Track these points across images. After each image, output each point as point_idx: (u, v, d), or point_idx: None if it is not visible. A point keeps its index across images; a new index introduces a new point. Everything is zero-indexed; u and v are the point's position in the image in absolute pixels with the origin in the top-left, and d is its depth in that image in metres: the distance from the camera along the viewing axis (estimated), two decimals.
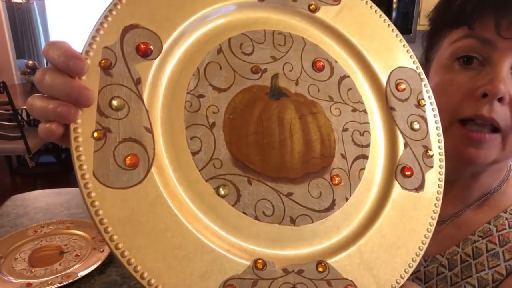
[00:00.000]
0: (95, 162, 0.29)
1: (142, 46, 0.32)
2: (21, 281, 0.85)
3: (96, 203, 0.29)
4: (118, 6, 0.32)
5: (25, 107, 2.95)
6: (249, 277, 0.32)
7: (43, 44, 5.89)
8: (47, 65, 2.96)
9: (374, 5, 0.41)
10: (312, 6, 0.39)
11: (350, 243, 0.36)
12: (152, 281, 0.29)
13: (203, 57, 0.35)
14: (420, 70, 0.42)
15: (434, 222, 0.38)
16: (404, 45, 0.42)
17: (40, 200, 1.22)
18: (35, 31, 5.74)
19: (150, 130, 0.32)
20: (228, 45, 0.36)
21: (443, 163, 0.40)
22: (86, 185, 0.29)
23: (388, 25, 0.41)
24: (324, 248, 0.36)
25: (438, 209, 0.39)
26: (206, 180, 0.33)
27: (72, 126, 0.30)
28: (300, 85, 0.38)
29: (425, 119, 0.40)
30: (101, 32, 0.31)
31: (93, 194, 0.29)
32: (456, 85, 0.47)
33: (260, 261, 0.33)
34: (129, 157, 0.30)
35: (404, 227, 0.38)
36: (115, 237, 0.29)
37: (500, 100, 0.44)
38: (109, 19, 0.31)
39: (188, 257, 0.30)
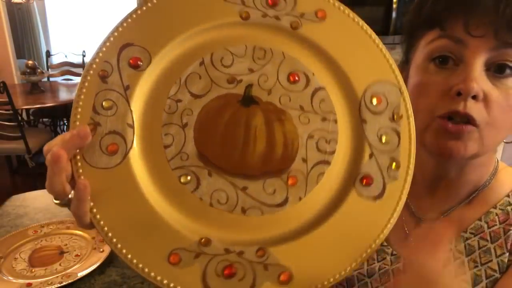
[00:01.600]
0: (85, 147, 0.39)
1: (133, 60, 0.41)
2: (21, 281, 0.85)
3: (82, 177, 0.39)
4: (120, 29, 0.41)
5: (25, 107, 2.96)
6: (193, 250, 0.39)
7: (43, 44, 5.89)
8: (47, 65, 2.96)
9: (359, 19, 0.43)
10: (294, 24, 0.43)
11: (295, 237, 0.41)
12: (114, 240, 0.38)
13: (186, 68, 0.42)
14: (401, 84, 0.43)
15: (386, 231, 0.41)
16: (387, 59, 0.43)
17: (40, 200, 1.22)
18: (35, 31, 5.74)
19: (132, 126, 0.40)
20: (210, 59, 0.42)
21: (410, 177, 0.42)
22: (76, 163, 0.39)
23: (373, 39, 0.43)
24: (268, 237, 0.40)
25: (394, 220, 0.41)
26: (172, 169, 0.41)
27: (72, 118, 0.39)
28: (272, 95, 0.42)
29: (398, 133, 0.42)
30: (104, 49, 0.40)
31: (80, 171, 0.39)
32: (433, 85, 0.48)
33: (204, 239, 0.40)
34: (110, 145, 0.40)
35: (352, 232, 0.41)
36: (92, 203, 0.39)
37: (474, 97, 0.45)
38: (111, 39, 0.40)
39: (146, 227, 0.39)
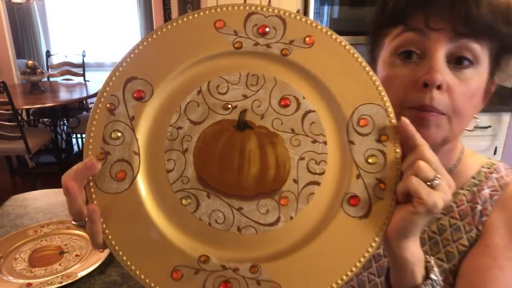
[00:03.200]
0: (97, 175, 0.44)
1: (137, 92, 0.45)
2: (21, 281, 0.85)
3: (95, 202, 0.44)
4: (124, 64, 0.45)
5: (25, 107, 2.96)
6: (194, 266, 0.43)
7: (43, 44, 5.89)
8: (47, 65, 2.96)
9: (347, 43, 0.45)
10: (284, 50, 0.45)
11: (286, 254, 0.44)
12: (124, 258, 0.43)
13: (185, 97, 0.45)
14: (388, 105, 0.44)
15: (372, 250, 0.42)
16: (373, 81, 0.44)
17: (40, 200, 1.22)
18: (35, 31, 5.74)
19: (138, 154, 0.45)
20: (207, 87, 0.45)
21: (396, 196, 0.43)
22: (89, 190, 0.44)
23: (360, 63, 0.44)
24: (261, 255, 0.44)
25: (380, 238, 0.43)
26: (175, 192, 0.45)
27: (85, 149, 0.45)
28: (265, 119, 0.45)
29: (384, 154, 0.44)
30: (110, 83, 0.44)
31: (93, 196, 0.44)
32: (400, 78, 0.51)
33: (203, 256, 0.44)
34: (119, 172, 0.44)
35: (341, 248, 0.43)
36: (104, 225, 0.44)
37: (439, 87, 0.49)
38: (117, 73, 0.45)
39: (152, 246, 0.44)
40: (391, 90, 0.50)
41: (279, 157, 0.44)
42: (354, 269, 0.43)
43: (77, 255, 0.94)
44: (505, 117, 2.48)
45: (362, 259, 0.43)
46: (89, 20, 6.80)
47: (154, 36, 0.45)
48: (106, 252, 0.93)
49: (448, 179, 0.41)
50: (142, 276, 0.43)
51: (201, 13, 0.45)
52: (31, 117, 3.61)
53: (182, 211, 0.44)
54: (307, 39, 0.45)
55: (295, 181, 0.44)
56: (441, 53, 0.49)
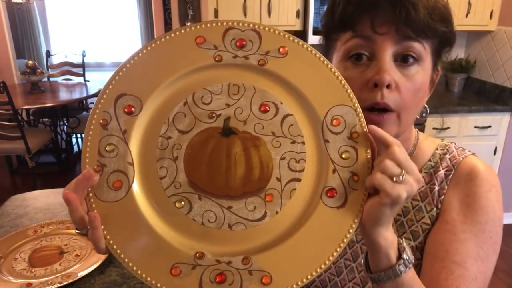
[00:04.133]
0: (95, 186, 0.47)
1: (127, 108, 0.48)
2: (21, 281, 0.85)
3: (95, 211, 0.47)
4: (113, 82, 0.48)
5: (25, 107, 2.96)
6: (190, 263, 0.47)
7: (43, 44, 5.89)
8: (47, 65, 2.96)
9: (317, 52, 0.49)
10: (261, 61, 0.49)
11: (273, 245, 0.48)
12: (126, 260, 0.47)
13: (173, 109, 0.49)
14: (357, 106, 0.49)
15: (349, 235, 0.47)
16: (343, 85, 0.49)
17: (40, 200, 1.22)
18: (35, 31, 5.74)
19: (132, 164, 0.48)
20: (192, 98, 0.49)
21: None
22: (89, 199, 0.47)
23: (330, 68, 0.49)
24: (251, 247, 0.48)
25: (356, 224, 0.47)
26: (168, 197, 0.48)
27: (82, 163, 0.47)
28: (247, 125, 0.49)
29: (356, 149, 0.48)
30: (102, 101, 0.48)
31: (93, 205, 0.47)
32: (352, 80, 0.55)
33: (199, 253, 0.47)
34: (115, 182, 0.47)
35: (323, 236, 0.47)
36: (105, 232, 0.47)
37: (388, 86, 0.54)
38: (107, 91, 0.48)
39: (151, 247, 0.47)
40: None
41: (263, 158, 0.48)
42: (335, 253, 0.47)
43: (77, 255, 0.94)
44: (505, 117, 2.48)
45: (342, 244, 0.47)
46: (89, 20, 6.81)
47: (140, 54, 0.49)
48: None
49: (416, 175, 0.45)
50: (144, 275, 0.47)
51: (183, 31, 0.49)
52: (31, 117, 3.61)
53: (177, 213, 0.48)
54: (281, 49, 0.49)
55: (278, 179, 0.48)
56: (387, 54, 0.54)
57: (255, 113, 0.49)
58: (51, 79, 3.85)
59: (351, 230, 0.47)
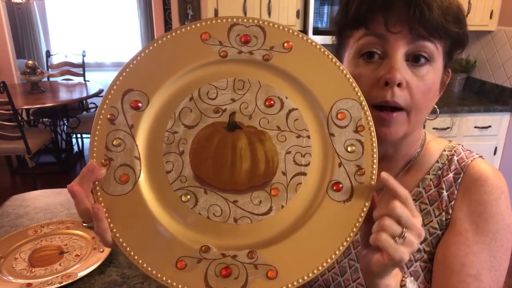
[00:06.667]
0: (102, 180, 0.48)
1: (134, 103, 0.49)
2: (21, 281, 0.85)
3: (102, 204, 0.47)
4: (121, 78, 0.49)
5: (25, 107, 2.96)
6: (196, 256, 0.47)
7: (43, 44, 5.89)
8: (47, 65, 2.96)
9: (322, 47, 0.50)
10: (266, 56, 0.50)
11: (279, 240, 0.48)
12: (132, 253, 0.47)
13: (179, 104, 0.49)
14: (362, 99, 0.49)
15: (356, 229, 0.47)
16: (348, 79, 0.49)
17: (40, 200, 1.22)
18: (35, 31, 5.74)
19: (138, 158, 0.48)
20: (198, 94, 0.49)
21: (374, 181, 0.48)
22: (96, 193, 0.47)
23: (335, 62, 0.49)
24: (257, 241, 0.48)
25: (362, 218, 0.47)
26: (174, 191, 0.48)
27: (90, 157, 0.48)
28: (252, 119, 0.49)
29: (361, 143, 0.49)
30: (109, 96, 0.48)
31: (100, 199, 0.47)
32: (364, 77, 0.56)
33: (204, 247, 0.47)
34: (122, 176, 0.48)
35: (329, 230, 0.47)
36: (112, 225, 0.47)
37: (399, 85, 0.54)
38: (115, 87, 0.48)
39: (157, 240, 0.47)
40: None
41: (268, 152, 0.49)
42: (341, 248, 0.47)
43: (77, 255, 0.94)
44: (505, 117, 2.48)
45: (348, 238, 0.47)
46: (89, 20, 6.81)
47: (147, 50, 0.49)
48: (106, 252, 0.93)
49: (417, 229, 0.45)
50: (149, 268, 0.47)
51: (188, 27, 0.50)
52: (31, 117, 3.61)
53: (182, 207, 0.48)
54: (285, 44, 0.50)
55: (284, 173, 0.49)
56: (400, 53, 0.54)
57: (260, 108, 0.49)
58: (51, 79, 3.85)
59: (357, 224, 0.47)
